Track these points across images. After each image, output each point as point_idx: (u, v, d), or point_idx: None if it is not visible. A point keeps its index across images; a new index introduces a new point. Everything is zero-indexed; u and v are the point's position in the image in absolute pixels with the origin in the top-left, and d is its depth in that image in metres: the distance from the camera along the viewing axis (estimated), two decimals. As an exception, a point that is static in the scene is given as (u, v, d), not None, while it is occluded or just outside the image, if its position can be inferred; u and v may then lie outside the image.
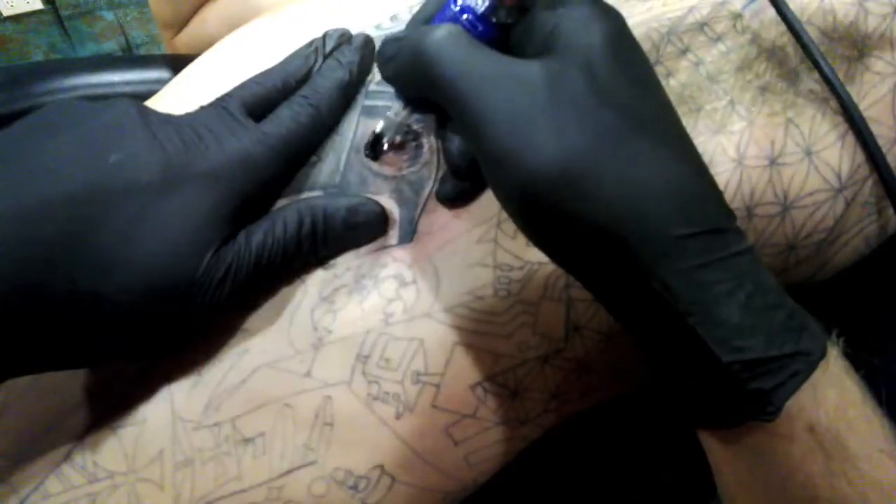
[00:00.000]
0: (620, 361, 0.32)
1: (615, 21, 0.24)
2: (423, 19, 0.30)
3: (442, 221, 0.32)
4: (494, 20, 0.27)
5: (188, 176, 0.27)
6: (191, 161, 0.27)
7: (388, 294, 0.30)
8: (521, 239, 0.31)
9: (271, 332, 0.30)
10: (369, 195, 0.32)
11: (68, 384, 0.30)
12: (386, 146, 0.31)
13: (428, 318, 0.30)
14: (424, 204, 0.32)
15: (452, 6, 0.27)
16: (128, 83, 0.61)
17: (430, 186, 0.32)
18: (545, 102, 0.23)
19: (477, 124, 0.23)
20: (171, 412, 0.29)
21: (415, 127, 0.33)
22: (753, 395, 0.22)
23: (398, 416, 0.29)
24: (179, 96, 0.37)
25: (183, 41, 0.69)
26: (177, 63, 0.64)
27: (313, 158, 0.32)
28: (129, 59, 0.67)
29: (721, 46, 0.34)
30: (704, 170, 0.24)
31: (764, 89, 0.33)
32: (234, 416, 0.29)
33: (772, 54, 0.33)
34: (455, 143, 0.29)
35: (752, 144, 0.32)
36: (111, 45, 1.50)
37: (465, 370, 0.30)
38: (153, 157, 0.27)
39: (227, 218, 0.28)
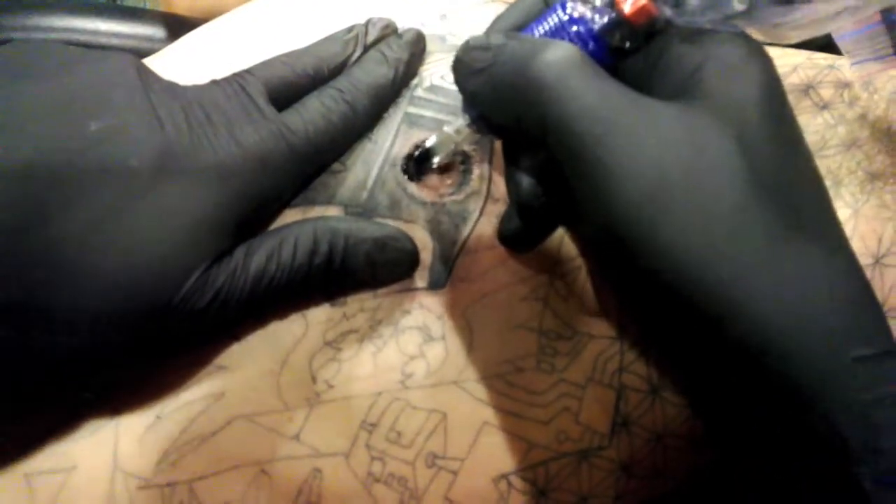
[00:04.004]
0: (666, 466, 0.27)
1: (770, 69, 0.19)
2: (513, 25, 0.24)
3: (483, 266, 0.26)
4: (609, 41, 0.21)
5: (188, 167, 0.21)
6: (195, 148, 0.21)
7: (410, 349, 0.24)
8: (575, 302, 0.26)
9: (257, 375, 0.24)
10: (400, 223, 0.26)
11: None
12: (434, 165, 0.25)
13: (455, 388, 0.24)
14: (465, 242, 0.26)
15: (559, 13, 0.22)
16: (115, 35, 0.54)
17: (473, 221, 0.27)
18: (685, 168, 0.18)
19: (596, 179, 0.18)
20: (111, 461, 0.22)
21: (466, 148, 0.27)
22: None
23: (400, 505, 0.24)
24: (182, 64, 0.30)
25: (183, 0, 0.62)
26: (174, 23, 0.57)
27: (337, 166, 0.27)
28: (120, 8, 0.60)
29: (827, 116, 0.29)
30: (863, 272, 0.19)
31: (874, 176, 0.28)
32: (195, 478, 0.23)
33: (886, 136, 0.29)
34: (525, 180, 0.24)
35: (856, 238, 0.27)
36: (98, -9, 1.40)
37: (491, 458, 0.24)
38: (148, 135, 0.21)
39: (227, 227, 0.22)
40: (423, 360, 0.24)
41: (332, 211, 0.26)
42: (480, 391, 0.24)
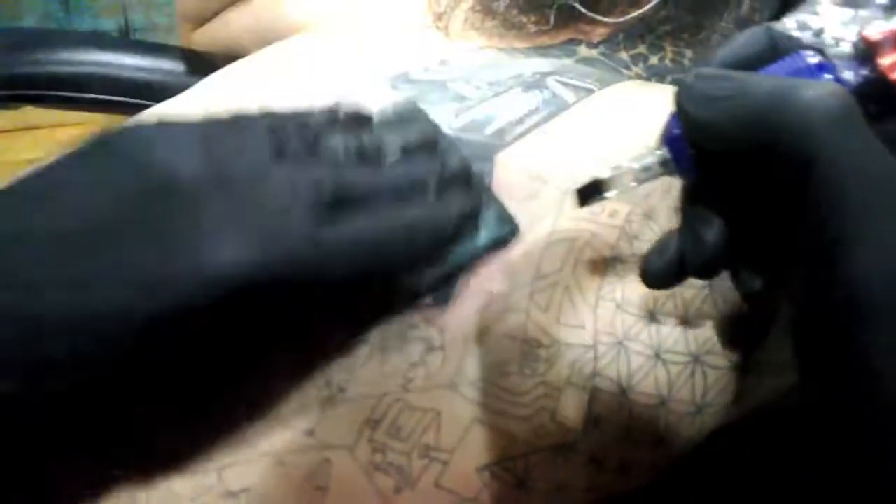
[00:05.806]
0: (632, 461, 0.31)
1: None
2: (742, 62, 0.22)
3: (480, 282, 0.30)
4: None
5: None
6: None
7: (413, 358, 0.28)
8: (553, 313, 0.30)
9: (280, 381, 0.27)
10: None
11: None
12: (605, 198, 0.24)
13: (449, 390, 0.28)
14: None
15: (801, 59, 0.21)
16: (140, 69, 0.59)
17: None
18: None
19: (852, 247, 0.18)
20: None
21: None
22: None
23: (398, 491, 0.27)
24: (202, 104, 0.34)
25: (202, 37, 0.66)
26: (192, 58, 0.62)
27: None
28: (144, 44, 0.65)
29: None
30: None
31: None
32: (222, 466, 0.26)
33: None
34: (714, 230, 0.23)
35: None
36: (110, 24, 1.45)
37: (476, 450, 0.28)
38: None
39: None
40: (423, 367, 0.28)
41: None
42: (471, 392, 0.28)
